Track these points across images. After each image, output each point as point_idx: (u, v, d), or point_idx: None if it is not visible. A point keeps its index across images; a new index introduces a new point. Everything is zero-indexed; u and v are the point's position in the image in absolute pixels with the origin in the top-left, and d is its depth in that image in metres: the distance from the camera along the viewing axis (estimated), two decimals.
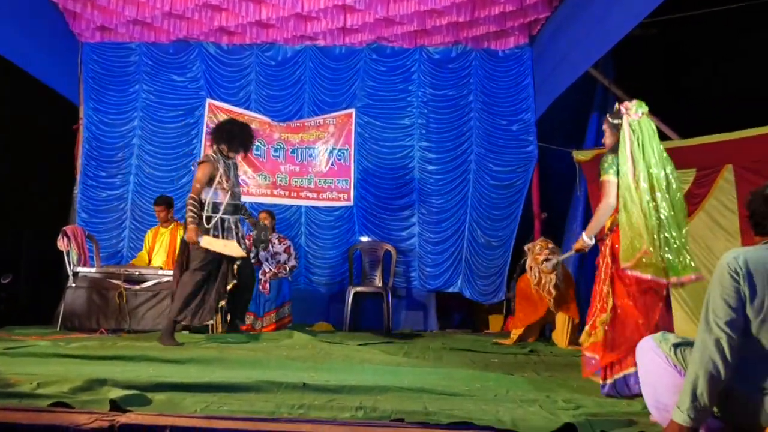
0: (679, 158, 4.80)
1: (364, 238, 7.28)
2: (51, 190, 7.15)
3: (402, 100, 7.45)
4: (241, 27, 7.24)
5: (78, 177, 7.34)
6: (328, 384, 2.92)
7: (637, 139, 3.16)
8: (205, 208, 5.04)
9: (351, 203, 7.32)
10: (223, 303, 5.22)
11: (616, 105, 3.36)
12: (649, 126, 3.22)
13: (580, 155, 6.36)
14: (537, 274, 5.35)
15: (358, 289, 6.82)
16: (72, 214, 7.29)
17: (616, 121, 3.33)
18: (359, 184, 7.36)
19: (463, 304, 7.45)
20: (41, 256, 6.76)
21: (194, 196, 5.05)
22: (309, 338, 5.15)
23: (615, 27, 5.14)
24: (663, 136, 5.37)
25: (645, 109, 3.24)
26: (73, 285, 5.70)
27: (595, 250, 3.51)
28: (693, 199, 4.68)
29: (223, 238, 5.03)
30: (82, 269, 5.83)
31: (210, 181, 5.07)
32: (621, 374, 3.07)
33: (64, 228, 6.07)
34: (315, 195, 7.37)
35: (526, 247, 5.68)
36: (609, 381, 3.12)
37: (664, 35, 5.88)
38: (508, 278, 7.02)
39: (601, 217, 3.31)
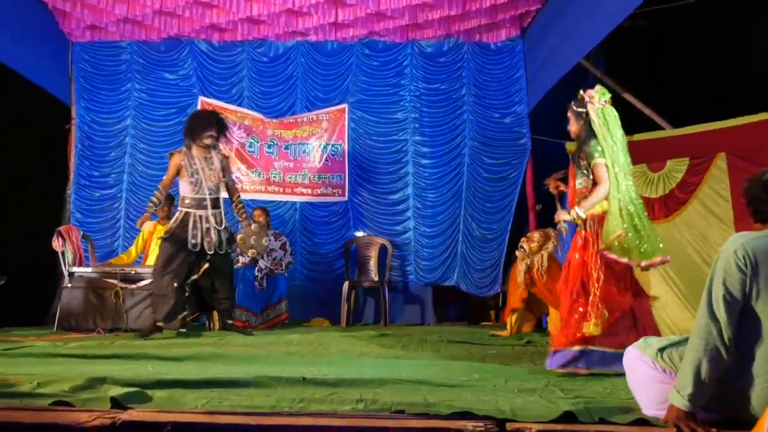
0: (672, 147, 4.87)
1: (360, 233, 7.29)
2: (44, 190, 7.11)
3: (395, 94, 7.46)
4: (232, 24, 7.22)
5: (71, 177, 7.32)
6: (327, 378, 2.93)
7: (605, 126, 3.29)
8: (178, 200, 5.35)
9: (345, 198, 7.33)
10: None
11: (580, 93, 3.45)
12: (612, 113, 3.34)
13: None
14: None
15: (355, 284, 6.83)
16: (65, 214, 7.27)
17: (580, 109, 3.43)
18: (353, 179, 7.36)
19: (459, 297, 7.47)
20: (34, 257, 6.74)
21: (159, 186, 5.36)
22: (306, 333, 5.16)
23: (605, 19, 5.15)
24: (655, 126, 5.42)
25: (608, 96, 3.36)
26: (69, 285, 5.68)
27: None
28: (687, 188, 4.71)
29: (185, 232, 5.13)
30: (77, 269, 5.81)
31: (180, 174, 5.25)
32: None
33: (59, 228, 6.05)
34: (309, 191, 7.37)
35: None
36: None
37: (653, 26, 5.90)
38: (504, 270, 7.04)
39: (595, 201, 3.39)
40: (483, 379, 3.13)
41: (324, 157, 7.40)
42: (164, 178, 5.38)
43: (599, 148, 3.33)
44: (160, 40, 7.45)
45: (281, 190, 7.36)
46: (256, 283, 6.28)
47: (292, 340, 4.86)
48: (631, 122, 5.57)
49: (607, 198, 3.32)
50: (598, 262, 3.32)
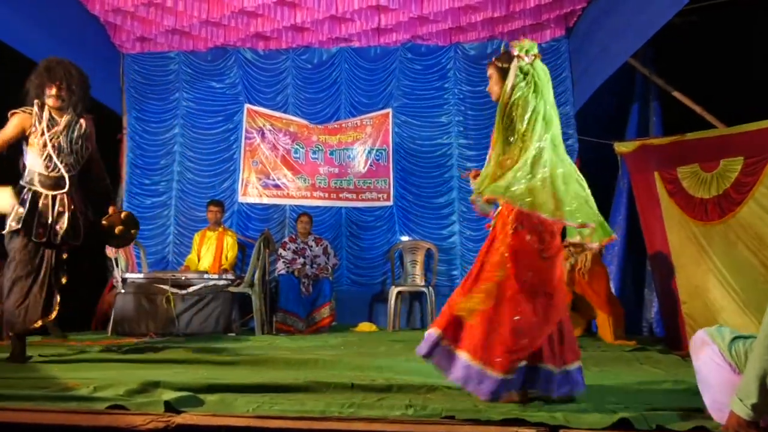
0: (725, 146, 4.72)
1: (405, 238, 7.28)
2: (98, 198, 7.29)
3: (438, 98, 7.45)
4: (276, 32, 7.31)
5: (123, 185, 7.51)
6: (375, 383, 2.93)
7: (534, 84, 2.77)
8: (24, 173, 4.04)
9: (390, 203, 7.34)
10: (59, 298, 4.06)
11: (503, 47, 2.94)
12: (543, 69, 2.83)
13: (622, 147, 6.23)
14: None
15: (401, 288, 6.83)
16: None
17: (505, 65, 2.83)
18: (398, 184, 7.37)
19: None
20: (88, 263, 6.91)
21: None
22: (354, 338, 5.17)
23: (654, 16, 5.04)
24: (707, 125, 5.27)
25: (536, 50, 2.84)
26: (122, 291, 5.82)
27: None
28: (741, 188, 4.56)
29: (33, 217, 3.91)
30: (130, 275, 5.95)
31: (28, 141, 3.99)
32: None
33: None
34: (354, 196, 7.40)
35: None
36: None
37: (706, 22, 5.74)
38: None
39: None
40: None
41: (368, 162, 7.43)
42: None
43: None
44: (207, 50, 7.60)
45: (326, 195, 7.41)
46: (303, 288, 6.33)
47: (340, 345, 4.87)
48: (682, 121, 5.47)
49: None
50: None
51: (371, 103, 7.52)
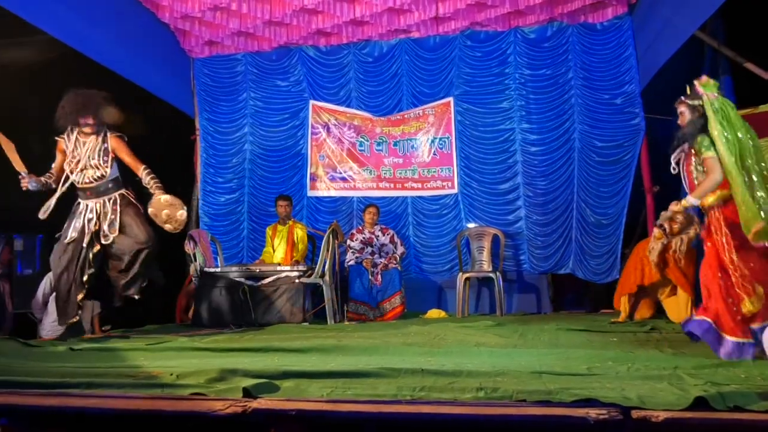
0: None
1: (471, 224, 7.29)
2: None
3: (499, 83, 7.39)
4: (337, 27, 7.42)
5: (198, 184, 7.81)
6: (446, 367, 2.96)
7: (723, 116, 3.38)
8: None
9: (455, 191, 7.36)
10: (81, 296, 4.70)
11: (688, 88, 3.61)
12: (728, 102, 3.45)
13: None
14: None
15: (469, 274, 6.84)
16: (193, 218, 7.74)
17: (695, 102, 3.55)
18: (462, 171, 7.38)
19: (576, 285, 7.30)
20: (167, 259, 7.21)
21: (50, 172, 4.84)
22: (423, 325, 5.22)
23: None
24: None
25: (717, 87, 3.51)
26: (201, 285, 6.06)
27: None
28: None
29: (68, 222, 4.73)
30: (207, 269, 6.20)
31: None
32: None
33: (190, 232, 6.49)
34: (419, 185, 7.46)
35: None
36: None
37: None
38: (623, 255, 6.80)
39: (706, 189, 3.48)
40: (605, 367, 3.04)
41: (432, 151, 7.47)
42: (53, 164, 4.88)
43: (706, 143, 3.43)
44: (272, 50, 7.78)
45: (392, 186, 7.51)
46: (372, 278, 6.45)
47: (410, 331, 4.93)
48: (755, 93, 5.25)
49: (726, 187, 3.39)
50: (726, 245, 3.39)
51: (432, 92, 7.54)
